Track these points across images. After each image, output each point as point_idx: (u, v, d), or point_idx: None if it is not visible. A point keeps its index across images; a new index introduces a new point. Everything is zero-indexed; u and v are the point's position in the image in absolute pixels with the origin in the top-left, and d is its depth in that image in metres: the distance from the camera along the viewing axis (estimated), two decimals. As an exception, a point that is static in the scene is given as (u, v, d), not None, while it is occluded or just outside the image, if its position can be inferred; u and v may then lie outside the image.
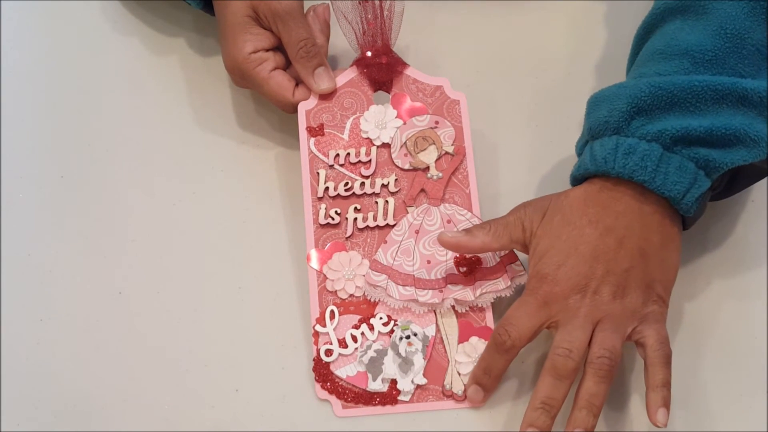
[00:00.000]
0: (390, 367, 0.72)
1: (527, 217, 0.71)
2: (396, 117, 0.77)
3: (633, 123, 0.68)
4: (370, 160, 0.76)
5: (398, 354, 0.72)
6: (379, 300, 0.74)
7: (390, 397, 0.72)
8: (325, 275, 0.74)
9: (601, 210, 0.68)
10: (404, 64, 0.78)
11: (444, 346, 0.73)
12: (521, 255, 0.74)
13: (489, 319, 0.73)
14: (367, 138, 0.77)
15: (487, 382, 0.70)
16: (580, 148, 0.73)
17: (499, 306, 0.74)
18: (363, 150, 0.77)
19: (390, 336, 0.73)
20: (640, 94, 0.68)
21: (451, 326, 0.73)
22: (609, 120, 0.69)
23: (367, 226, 0.75)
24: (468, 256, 0.73)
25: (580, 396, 0.67)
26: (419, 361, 0.72)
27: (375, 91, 0.78)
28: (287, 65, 0.78)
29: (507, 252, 0.74)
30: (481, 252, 0.73)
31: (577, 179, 0.72)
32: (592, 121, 0.71)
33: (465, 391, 0.71)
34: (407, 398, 0.72)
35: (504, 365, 0.69)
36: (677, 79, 0.68)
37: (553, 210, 0.70)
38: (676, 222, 0.70)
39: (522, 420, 0.67)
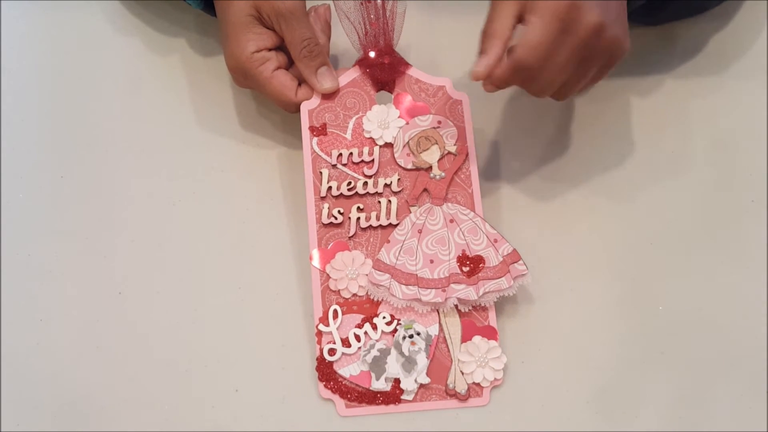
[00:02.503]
0: (393, 367, 0.72)
1: None
2: (398, 117, 0.78)
3: None
4: (372, 160, 0.77)
5: (401, 353, 0.72)
6: (382, 299, 0.74)
7: (393, 396, 0.72)
8: (328, 275, 0.74)
9: None
10: (407, 65, 0.78)
11: (447, 346, 0.73)
12: (523, 258, 0.74)
13: (492, 319, 0.74)
14: (370, 138, 0.77)
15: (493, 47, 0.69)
16: None
17: (502, 305, 0.74)
18: (366, 150, 0.77)
19: (393, 335, 0.73)
20: None
21: (454, 325, 0.73)
22: None
23: (370, 226, 0.75)
24: (470, 255, 0.74)
25: None
26: (422, 361, 0.72)
27: (377, 91, 0.78)
28: (290, 65, 0.78)
29: (510, 252, 0.74)
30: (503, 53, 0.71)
31: None
32: None
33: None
34: (410, 397, 0.72)
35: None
36: None
37: None
38: None
39: None
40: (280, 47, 0.78)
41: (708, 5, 0.82)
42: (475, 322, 0.74)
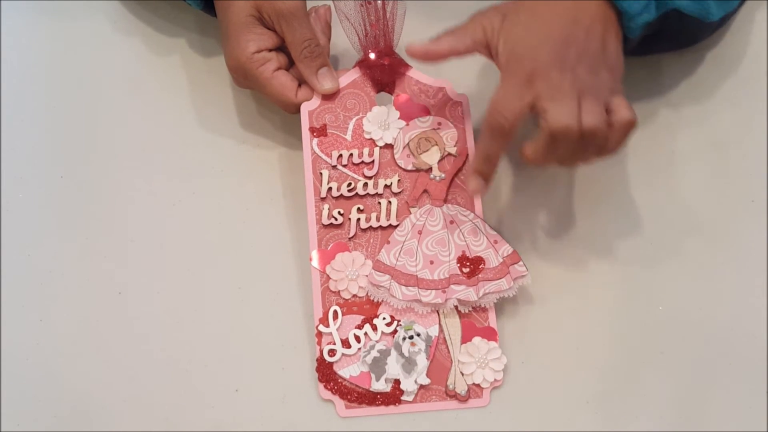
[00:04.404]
0: (393, 367, 0.72)
1: (486, 19, 0.72)
2: (398, 118, 0.77)
3: None
4: (373, 161, 0.77)
5: (401, 354, 0.72)
6: (382, 300, 0.74)
7: (393, 397, 0.72)
8: (328, 275, 0.74)
9: (564, 5, 0.70)
10: (407, 66, 0.78)
11: (447, 347, 0.73)
12: (523, 259, 0.74)
13: (492, 320, 0.74)
14: (370, 139, 0.77)
15: (488, 169, 0.72)
16: None
17: (502, 306, 0.74)
18: (366, 151, 0.77)
19: (393, 336, 0.73)
20: None
21: (454, 326, 0.73)
22: None
23: (370, 227, 0.75)
24: (470, 256, 0.74)
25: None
26: (422, 362, 0.72)
27: (378, 92, 0.78)
28: (290, 65, 0.78)
29: (510, 253, 0.74)
30: (448, 56, 0.73)
31: None
32: None
33: (476, 189, 0.73)
34: (410, 398, 0.72)
35: (502, 149, 0.71)
36: None
37: (515, 10, 0.71)
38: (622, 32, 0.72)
39: None
40: (281, 48, 0.77)
41: (699, 37, 0.81)
42: (475, 323, 0.74)
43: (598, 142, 0.69)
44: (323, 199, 0.76)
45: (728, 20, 0.80)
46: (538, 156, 0.70)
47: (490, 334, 0.73)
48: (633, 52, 0.75)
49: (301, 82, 0.78)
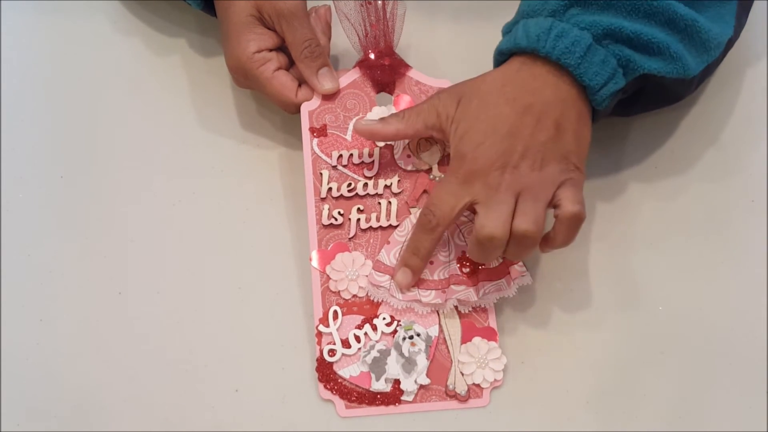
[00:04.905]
0: (393, 368, 0.72)
1: (441, 102, 0.72)
2: (398, 118, 0.78)
3: (570, 11, 0.70)
4: (373, 161, 0.77)
5: (401, 354, 0.73)
6: (382, 300, 0.74)
7: (393, 397, 0.72)
8: (328, 275, 0.74)
9: (519, 88, 0.69)
10: (407, 66, 0.78)
11: (447, 347, 0.73)
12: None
13: (492, 320, 0.74)
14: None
15: (415, 263, 0.72)
16: (508, 27, 0.73)
17: (502, 306, 0.74)
18: (366, 151, 0.77)
19: (393, 336, 0.73)
20: None
21: (454, 326, 0.73)
22: (546, 3, 0.70)
23: (370, 227, 0.75)
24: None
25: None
26: (422, 362, 0.72)
27: (378, 92, 0.78)
28: (290, 65, 0.78)
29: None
30: (395, 139, 0.75)
31: (504, 54, 0.72)
32: (528, 3, 0.72)
33: (402, 282, 0.73)
34: (410, 398, 0.72)
35: (431, 246, 0.71)
36: None
37: (469, 95, 0.71)
38: (588, 106, 0.71)
39: None
40: (281, 48, 0.78)
41: (683, 93, 0.77)
42: (474, 323, 0.74)
43: (532, 243, 0.69)
44: (323, 199, 0.76)
45: (713, 71, 0.78)
46: (473, 255, 0.71)
47: (490, 334, 0.73)
48: (615, 113, 0.74)
49: (301, 82, 0.78)
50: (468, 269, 0.73)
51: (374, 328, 0.73)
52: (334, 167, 0.76)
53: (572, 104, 0.69)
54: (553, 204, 0.69)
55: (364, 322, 0.73)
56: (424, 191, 0.76)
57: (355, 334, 0.73)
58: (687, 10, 0.69)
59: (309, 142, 0.77)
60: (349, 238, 0.75)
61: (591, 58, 0.68)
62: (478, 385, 0.73)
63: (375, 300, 0.74)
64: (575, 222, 0.69)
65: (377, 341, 0.73)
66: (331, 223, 0.75)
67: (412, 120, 0.73)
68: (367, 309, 0.74)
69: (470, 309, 0.74)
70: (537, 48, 0.69)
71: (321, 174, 0.76)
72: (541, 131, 0.68)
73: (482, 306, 0.74)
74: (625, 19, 0.69)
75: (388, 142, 0.76)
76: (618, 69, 0.69)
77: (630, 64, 0.69)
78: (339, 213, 0.75)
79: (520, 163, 0.68)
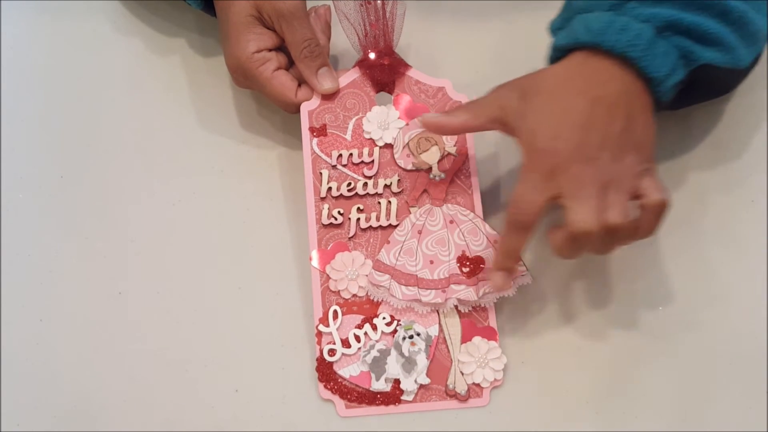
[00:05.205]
0: (393, 367, 0.72)
1: (503, 96, 0.71)
2: (398, 118, 0.78)
3: (628, 4, 0.70)
4: (372, 161, 0.77)
5: (401, 354, 0.72)
6: (382, 300, 0.74)
7: (393, 396, 0.72)
8: (328, 275, 0.74)
9: (586, 81, 0.69)
10: (407, 66, 0.78)
11: (447, 346, 0.73)
12: (523, 259, 0.74)
13: (492, 319, 0.74)
14: (370, 139, 0.77)
15: (511, 264, 0.71)
16: (559, 23, 0.73)
17: (502, 306, 0.74)
18: (366, 150, 0.77)
19: (393, 336, 0.73)
20: None
21: (454, 326, 0.73)
22: None
23: (370, 227, 0.75)
24: (470, 255, 0.74)
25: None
26: (422, 361, 0.72)
27: (377, 92, 0.78)
28: (290, 65, 0.78)
29: None
30: (461, 132, 0.74)
31: (560, 50, 0.72)
32: (580, 2, 0.72)
33: (503, 286, 0.72)
34: (410, 398, 0.72)
35: (523, 244, 0.69)
36: None
37: (534, 89, 0.70)
38: (650, 98, 0.70)
39: None
40: (281, 48, 0.78)
41: (732, 85, 0.78)
42: (475, 322, 0.74)
43: (625, 233, 0.68)
44: (323, 198, 0.76)
45: (757, 62, 0.77)
46: (563, 252, 0.69)
47: (490, 334, 0.73)
48: (665, 107, 0.73)
49: (301, 82, 0.78)
50: (468, 269, 0.73)
51: (374, 327, 0.73)
52: (334, 167, 0.77)
53: (638, 96, 0.69)
54: (635, 195, 0.69)
55: (364, 321, 0.73)
56: (424, 191, 0.76)
57: (355, 334, 0.73)
58: (738, 2, 0.69)
59: (309, 142, 0.77)
60: (349, 238, 0.75)
61: (654, 50, 0.68)
62: (478, 385, 0.73)
63: (375, 299, 0.74)
64: (662, 210, 0.68)
65: (377, 341, 0.73)
66: (331, 223, 0.75)
67: (477, 112, 0.72)
68: (367, 309, 0.74)
69: (470, 308, 0.74)
70: (600, 42, 0.68)
71: (321, 173, 0.76)
72: (614, 122, 0.68)
73: (482, 305, 0.74)
74: (682, 11, 0.69)
75: (453, 135, 0.76)
76: (679, 60, 0.69)
77: (690, 55, 0.69)
78: (339, 212, 0.75)
79: (600, 155, 0.67)
